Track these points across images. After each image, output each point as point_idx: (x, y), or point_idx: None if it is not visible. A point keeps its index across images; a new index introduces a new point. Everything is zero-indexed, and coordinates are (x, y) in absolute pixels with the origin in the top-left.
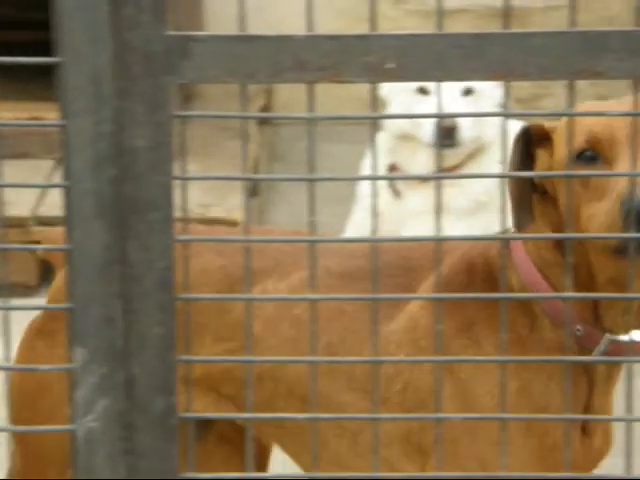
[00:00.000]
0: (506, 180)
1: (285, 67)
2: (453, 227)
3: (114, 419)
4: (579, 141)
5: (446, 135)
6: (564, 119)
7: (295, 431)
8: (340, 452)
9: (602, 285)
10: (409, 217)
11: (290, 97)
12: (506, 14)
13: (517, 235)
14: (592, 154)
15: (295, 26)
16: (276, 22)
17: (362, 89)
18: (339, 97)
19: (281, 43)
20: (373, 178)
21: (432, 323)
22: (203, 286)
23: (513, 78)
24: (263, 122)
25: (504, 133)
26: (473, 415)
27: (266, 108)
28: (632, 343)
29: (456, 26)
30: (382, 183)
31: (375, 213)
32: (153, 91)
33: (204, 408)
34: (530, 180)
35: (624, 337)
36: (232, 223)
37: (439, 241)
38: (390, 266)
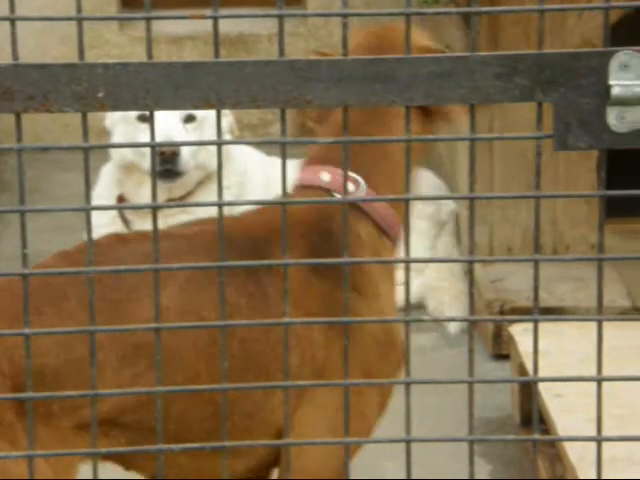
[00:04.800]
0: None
1: None
2: None
3: None
4: None
5: (166, 162)
6: None
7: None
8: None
9: None
10: None
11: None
12: (216, 43)
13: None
14: None
15: (19, 53)
16: None
17: (91, 117)
18: (66, 125)
19: None
20: (87, 209)
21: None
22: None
23: (224, 106)
24: None
25: (220, 161)
26: (320, 382)
27: None
28: None
29: (184, 52)
30: (113, 213)
31: (92, 243)
32: None
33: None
34: None
35: None
36: None
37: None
38: (237, 250)
